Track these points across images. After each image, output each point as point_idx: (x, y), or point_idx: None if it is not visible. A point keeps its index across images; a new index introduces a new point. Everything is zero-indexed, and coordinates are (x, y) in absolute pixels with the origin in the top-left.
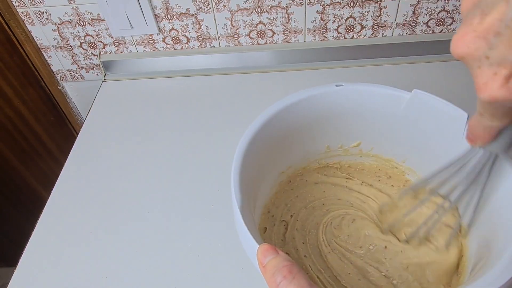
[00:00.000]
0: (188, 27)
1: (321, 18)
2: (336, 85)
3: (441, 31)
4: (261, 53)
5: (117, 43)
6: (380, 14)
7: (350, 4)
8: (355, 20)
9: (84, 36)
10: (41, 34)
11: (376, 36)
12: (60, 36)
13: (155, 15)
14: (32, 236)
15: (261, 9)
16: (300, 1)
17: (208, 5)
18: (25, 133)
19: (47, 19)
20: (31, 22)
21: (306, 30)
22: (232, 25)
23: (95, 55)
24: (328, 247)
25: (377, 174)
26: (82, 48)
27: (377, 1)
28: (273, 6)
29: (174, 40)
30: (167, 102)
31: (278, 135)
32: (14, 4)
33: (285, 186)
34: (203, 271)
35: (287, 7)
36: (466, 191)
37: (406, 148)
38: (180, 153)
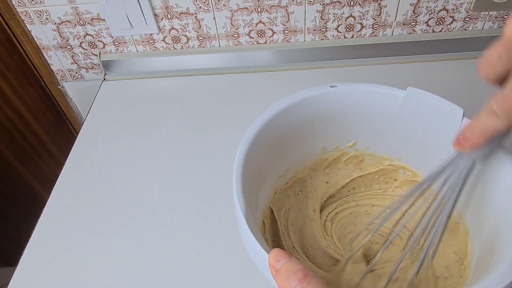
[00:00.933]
0: (188, 27)
1: (321, 17)
2: (331, 86)
3: (441, 30)
4: (261, 53)
5: (117, 43)
6: (380, 13)
7: (350, 4)
8: (355, 20)
9: (84, 36)
10: (41, 33)
11: (376, 36)
12: (60, 35)
13: (155, 14)
14: (32, 236)
15: (261, 9)
16: (300, 1)
17: (208, 4)
18: (25, 133)
19: (47, 18)
20: (31, 21)
21: (306, 30)
22: (232, 25)
23: (95, 55)
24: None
25: (376, 174)
26: (82, 47)
27: (377, 0)
28: (273, 6)
29: (174, 39)
30: (167, 102)
31: (273, 140)
32: (14, 4)
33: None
34: (203, 270)
35: (287, 6)
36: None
37: (402, 145)
38: (180, 152)
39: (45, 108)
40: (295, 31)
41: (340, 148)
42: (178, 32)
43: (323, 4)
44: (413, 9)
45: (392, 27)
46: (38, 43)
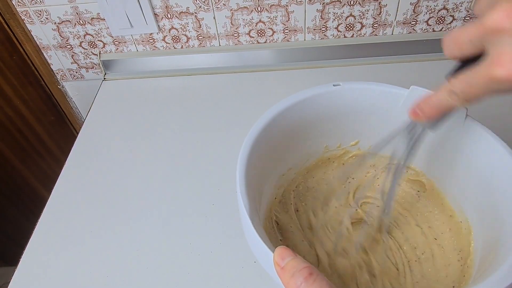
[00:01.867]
0: (188, 26)
1: (321, 16)
2: (334, 85)
3: (441, 30)
4: (261, 52)
5: (117, 42)
6: (380, 12)
7: (350, 3)
8: (355, 19)
9: (84, 35)
10: (41, 33)
11: (376, 35)
12: (60, 35)
13: (155, 14)
14: (32, 235)
15: (261, 8)
16: (300, 0)
17: (208, 4)
18: (25, 133)
19: (46, 18)
20: (31, 21)
21: (306, 29)
22: (232, 24)
23: (95, 54)
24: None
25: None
26: (82, 47)
27: (377, 0)
28: (273, 5)
29: (174, 39)
30: (167, 101)
31: (276, 139)
32: (14, 4)
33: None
34: (203, 270)
35: (287, 5)
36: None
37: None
38: (180, 152)
39: (45, 108)
40: (295, 30)
41: (343, 146)
42: (178, 31)
43: (323, 3)
44: (413, 8)
45: (392, 26)
46: (38, 42)
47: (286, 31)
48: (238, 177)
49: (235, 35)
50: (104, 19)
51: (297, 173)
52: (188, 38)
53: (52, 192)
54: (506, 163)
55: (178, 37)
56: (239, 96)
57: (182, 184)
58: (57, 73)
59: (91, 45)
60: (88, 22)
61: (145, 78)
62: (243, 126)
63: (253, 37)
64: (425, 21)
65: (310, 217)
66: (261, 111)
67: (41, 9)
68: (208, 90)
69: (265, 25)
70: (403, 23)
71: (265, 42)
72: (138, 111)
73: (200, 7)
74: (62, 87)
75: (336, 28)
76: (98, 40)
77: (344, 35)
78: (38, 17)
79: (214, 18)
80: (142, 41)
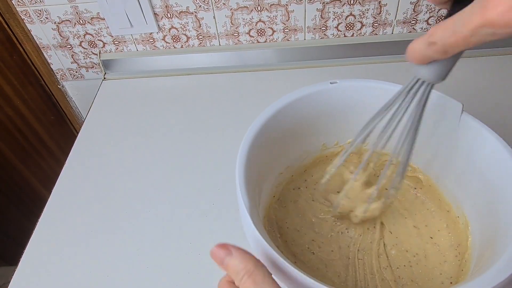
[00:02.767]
0: (188, 26)
1: (321, 16)
2: (331, 83)
3: None
4: (261, 51)
5: (117, 42)
6: (380, 11)
7: (350, 2)
8: (355, 18)
9: (84, 35)
10: (41, 33)
11: (376, 34)
12: (60, 35)
13: (154, 13)
14: (33, 235)
15: (261, 7)
16: None
17: (207, 3)
18: (25, 132)
19: (46, 18)
20: (31, 21)
21: (306, 28)
22: (232, 24)
23: (95, 54)
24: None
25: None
26: (82, 47)
27: None
28: (273, 4)
29: (174, 38)
30: (167, 101)
31: (275, 137)
32: (14, 3)
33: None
34: (204, 269)
35: (287, 5)
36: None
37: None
38: (180, 151)
39: (45, 107)
40: (295, 29)
41: (340, 144)
42: (178, 31)
43: (323, 2)
44: (413, 7)
45: (392, 26)
46: (38, 42)
47: (286, 30)
48: (238, 174)
49: (235, 34)
50: (104, 19)
51: (295, 171)
52: (188, 38)
53: (52, 192)
54: (502, 156)
55: (178, 37)
56: (239, 96)
57: (182, 183)
58: (57, 73)
59: (91, 44)
60: (88, 22)
61: (145, 77)
62: (243, 125)
63: (253, 37)
64: (425, 20)
65: (307, 212)
66: (260, 111)
67: (41, 9)
68: (208, 90)
69: (265, 24)
70: (403, 22)
71: (265, 41)
72: (138, 110)
73: (200, 6)
74: (62, 86)
75: (336, 27)
76: (98, 40)
77: (344, 34)
78: (38, 16)
79: (214, 17)
80: (142, 41)
